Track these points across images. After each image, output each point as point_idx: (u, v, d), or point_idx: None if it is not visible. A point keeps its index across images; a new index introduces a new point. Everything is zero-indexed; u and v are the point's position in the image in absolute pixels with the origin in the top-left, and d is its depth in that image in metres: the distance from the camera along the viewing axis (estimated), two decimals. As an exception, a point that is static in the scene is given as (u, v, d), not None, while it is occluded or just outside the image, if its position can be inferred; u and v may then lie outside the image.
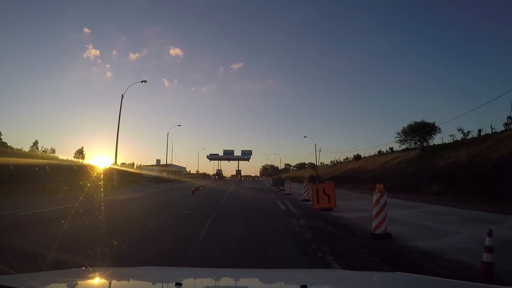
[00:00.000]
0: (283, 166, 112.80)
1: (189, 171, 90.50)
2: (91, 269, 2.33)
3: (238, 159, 73.69)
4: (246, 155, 71.39)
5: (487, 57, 55.12)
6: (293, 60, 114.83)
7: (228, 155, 71.45)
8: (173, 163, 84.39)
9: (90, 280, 2.00)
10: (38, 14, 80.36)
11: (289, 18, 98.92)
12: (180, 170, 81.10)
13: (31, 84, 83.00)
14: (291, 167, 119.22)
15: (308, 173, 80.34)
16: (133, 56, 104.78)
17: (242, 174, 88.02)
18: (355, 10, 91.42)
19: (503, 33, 64.09)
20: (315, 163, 62.05)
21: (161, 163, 71.88)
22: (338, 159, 72.29)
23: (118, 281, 2.04)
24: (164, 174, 68.36)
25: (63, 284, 1.87)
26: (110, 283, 1.98)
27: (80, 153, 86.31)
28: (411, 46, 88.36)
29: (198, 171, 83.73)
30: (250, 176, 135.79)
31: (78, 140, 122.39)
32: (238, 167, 74.87)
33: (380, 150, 54.99)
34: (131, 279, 2.12)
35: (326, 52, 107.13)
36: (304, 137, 60.14)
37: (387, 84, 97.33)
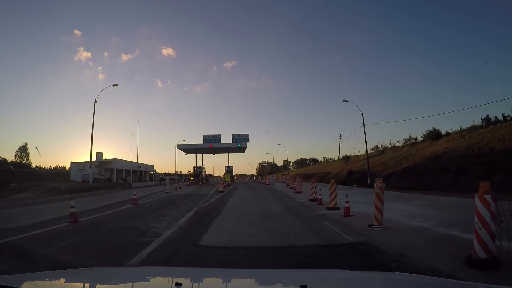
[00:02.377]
0: (292, 160, 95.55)
1: (179, 172, 65.14)
2: (91, 269, 2.41)
3: (228, 150, 46.89)
4: (240, 142, 44.71)
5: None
6: (287, 56, 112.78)
7: (212, 144, 44.59)
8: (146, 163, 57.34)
9: (90, 280, 1.95)
10: (28, 16, 76.22)
11: (282, 14, 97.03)
12: (140, 169, 53.90)
13: (21, 87, 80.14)
14: (291, 164, 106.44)
15: (335, 168, 54.34)
16: (125, 57, 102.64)
17: (235, 173, 61.72)
18: (349, 5, 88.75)
19: None
20: (365, 148, 35.84)
21: (103, 158, 44.90)
22: (389, 143, 46.63)
23: (118, 281, 2.01)
24: (104, 177, 41.43)
25: (63, 284, 1.85)
26: (110, 283, 1.96)
27: (23, 150, 59.48)
28: (405, 42, 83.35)
29: (190, 171, 56.85)
30: (246, 175, 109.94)
31: (71, 143, 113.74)
32: (229, 162, 48.09)
33: (487, 116, 28.99)
34: (131, 279, 2.05)
35: (320, 47, 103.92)
36: (344, 101, 34.13)
37: (380, 79, 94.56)
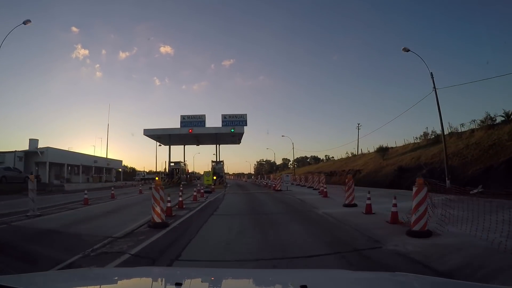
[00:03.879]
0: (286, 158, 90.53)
1: (172, 167, 51.82)
2: (91, 269, 2.60)
3: (216, 138, 32.48)
4: (233, 124, 30.74)
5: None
6: (285, 55, 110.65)
7: (193, 128, 30.53)
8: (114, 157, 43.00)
9: (90, 280, 1.92)
10: (24, 13, 70.68)
11: (280, 13, 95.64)
12: (97, 165, 39.78)
13: (19, 86, 76.99)
14: (290, 163, 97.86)
15: (365, 164, 40.19)
16: (122, 55, 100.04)
17: (230, 172, 48.23)
18: (347, 4, 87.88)
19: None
20: (441, 126, 22.10)
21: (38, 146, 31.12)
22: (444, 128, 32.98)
23: (118, 281, 1.98)
24: (24, 174, 27.20)
25: (63, 284, 1.80)
26: (110, 283, 1.93)
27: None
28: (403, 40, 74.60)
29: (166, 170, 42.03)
30: (243, 174, 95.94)
31: (69, 141, 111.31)
32: (217, 156, 33.79)
33: None
34: (131, 279, 2.01)
35: (318, 47, 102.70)
36: (406, 50, 20.35)
37: (378, 79, 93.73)
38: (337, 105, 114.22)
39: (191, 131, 30.07)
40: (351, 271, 2.42)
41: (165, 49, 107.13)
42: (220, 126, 30.79)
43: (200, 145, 38.70)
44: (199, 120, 31.15)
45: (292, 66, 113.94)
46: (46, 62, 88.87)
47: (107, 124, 56.52)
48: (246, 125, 30.71)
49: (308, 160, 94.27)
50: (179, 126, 31.25)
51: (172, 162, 33.89)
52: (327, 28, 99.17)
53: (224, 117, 31.01)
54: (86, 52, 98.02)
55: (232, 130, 29.71)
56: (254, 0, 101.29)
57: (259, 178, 53.26)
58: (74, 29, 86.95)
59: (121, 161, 46.87)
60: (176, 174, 33.70)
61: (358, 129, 56.99)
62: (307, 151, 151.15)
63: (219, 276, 2.13)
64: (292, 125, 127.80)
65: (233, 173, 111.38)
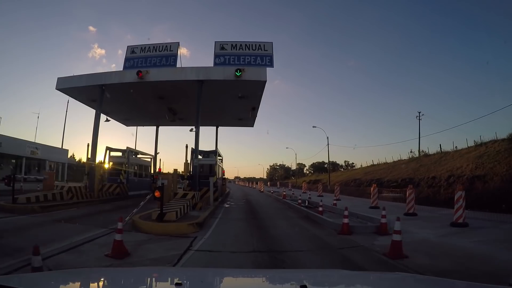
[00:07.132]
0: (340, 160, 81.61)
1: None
2: (91, 270, 2.54)
3: (200, 94, 14.62)
4: (243, 63, 12.83)
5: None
6: (299, 60, 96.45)
7: (145, 70, 12.91)
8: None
9: (90, 280, 1.88)
10: (43, 12, 64.17)
11: (295, 18, 79.61)
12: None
13: (35, 84, 69.16)
14: (306, 168, 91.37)
15: (496, 165, 21.60)
16: None
17: (241, 175, 33.30)
18: (361, 11, 75.11)
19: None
20: None
21: None
22: None
23: (118, 281, 1.94)
24: None
25: (63, 284, 1.77)
26: (110, 283, 1.89)
27: None
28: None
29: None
30: (254, 181, 77.22)
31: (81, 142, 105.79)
32: (199, 139, 16.24)
33: None
34: (131, 279, 1.95)
35: (334, 52, 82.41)
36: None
37: (391, 84, 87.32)
38: (351, 113, 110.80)
39: (141, 75, 12.70)
40: (350, 271, 2.26)
41: (181, 50, 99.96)
42: (212, 65, 13.34)
43: (178, 123, 21.10)
44: (164, 54, 13.75)
45: (307, 71, 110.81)
46: (63, 60, 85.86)
47: (67, 101, 40.12)
48: (272, 66, 13.14)
49: (325, 165, 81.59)
50: (122, 67, 14.06)
51: (113, 150, 16.49)
52: (344, 31, 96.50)
53: (221, 47, 13.52)
54: (103, 52, 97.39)
55: (239, 74, 12.17)
56: (270, 4, 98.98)
57: (278, 185, 35.61)
58: (91, 28, 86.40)
59: (66, 151, 29.95)
60: (121, 175, 16.32)
61: (419, 119, 38.79)
62: (338, 146, 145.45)
63: (219, 276, 2.08)
64: (306, 130, 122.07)
65: (244, 177, 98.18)
